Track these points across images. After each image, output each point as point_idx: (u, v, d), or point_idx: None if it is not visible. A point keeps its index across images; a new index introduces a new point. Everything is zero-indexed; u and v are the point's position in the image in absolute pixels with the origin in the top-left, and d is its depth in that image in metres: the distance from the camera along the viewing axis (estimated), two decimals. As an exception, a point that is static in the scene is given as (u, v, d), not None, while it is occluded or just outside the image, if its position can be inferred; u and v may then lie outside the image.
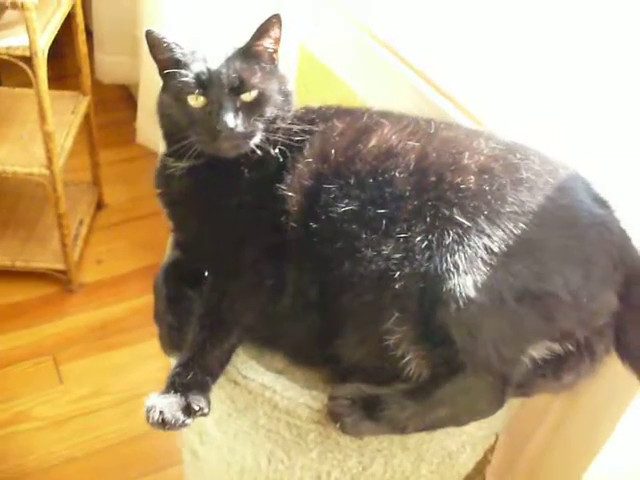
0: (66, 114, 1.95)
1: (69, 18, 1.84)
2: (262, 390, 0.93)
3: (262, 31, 0.98)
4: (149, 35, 0.97)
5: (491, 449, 1.24)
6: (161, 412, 0.87)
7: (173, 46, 0.97)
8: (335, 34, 1.53)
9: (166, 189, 1.05)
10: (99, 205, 2.29)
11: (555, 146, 1.01)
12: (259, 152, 0.96)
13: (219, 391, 0.97)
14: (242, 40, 0.99)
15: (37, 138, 1.80)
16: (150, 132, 2.19)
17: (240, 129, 0.94)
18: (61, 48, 1.80)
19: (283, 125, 0.98)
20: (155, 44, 0.97)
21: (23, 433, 1.70)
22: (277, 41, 1.01)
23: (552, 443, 1.14)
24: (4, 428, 1.70)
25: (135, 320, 1.97)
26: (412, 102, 1.29)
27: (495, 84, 1.20)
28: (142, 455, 1.66)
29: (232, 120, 0.93)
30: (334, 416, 0.88)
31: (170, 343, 1.00)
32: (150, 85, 2.07)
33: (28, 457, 1.65)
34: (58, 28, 1.73)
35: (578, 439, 1.05)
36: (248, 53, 0.98)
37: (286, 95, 1.01)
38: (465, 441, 0.96)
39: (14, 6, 1.52)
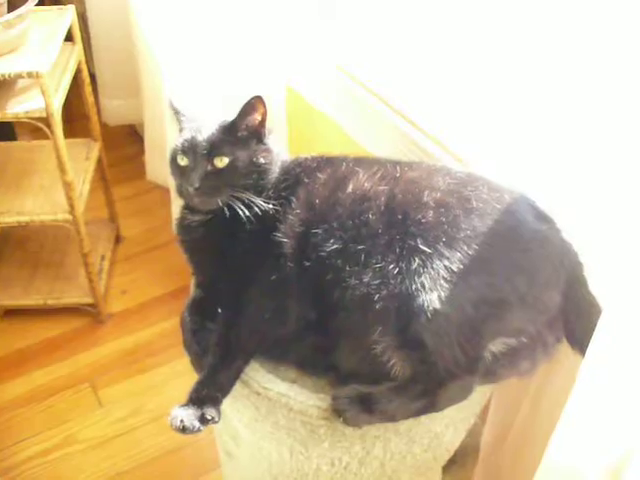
0: (80, 160, 2.12)
1: (75, 73, 2.00)
2: (279, 397, 1.10)
3: (244, 110, 1.15)
4: (170, 104, 1.22)
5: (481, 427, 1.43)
6: (182, 420, 1.06)
7: (180, 114, 1.21)
8: (319, 75, 1.67)
9: (185, 237, 1.23)
10: (117, 239, 2.45)
11: (532, 179, 1.15)
12: (227, 210, 1.12)
13: (246, 401, 1.15)
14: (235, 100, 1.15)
15: (57, 186, 1.96)
16: (158, 169, 2.32)
17: (204, 189, 1.13)
18: (67, 94, 1.91)
19: (271, 183, 1.16)
20: (174, 111, 1.22)
21: (73, 455, 1.85)
22: (258, 119, 1.17)
23: (531, 423, 1.30)
24: (55, 452, 1.86)
25: (163, 342, 2.13)
26: (394, 138, 1.46)
27: (476, 124, 1.33)
28: (182, 465, 1.81)
29: (197, 181, 1.12)
30: (337, 412, 1.06)
31: (198, 367, 1.17)
32: (154, 125, 2.20)
33: (79, 476, 1.80)
34: (68, 87, 1.90)
35: (549, 418, 1.16)
36: (231, 128, 1.16)
37: (263, 166, 1.17)
38: (447, 423, 1.13)
39: (30, 75, 1.71)
